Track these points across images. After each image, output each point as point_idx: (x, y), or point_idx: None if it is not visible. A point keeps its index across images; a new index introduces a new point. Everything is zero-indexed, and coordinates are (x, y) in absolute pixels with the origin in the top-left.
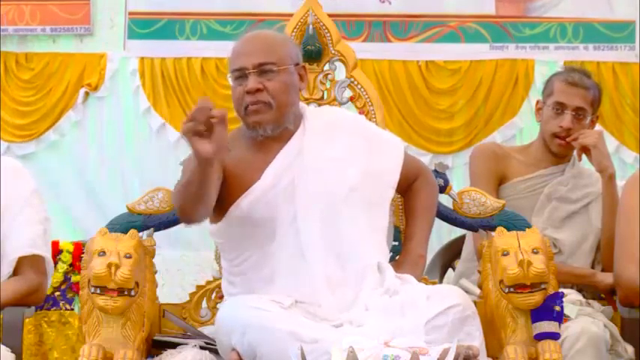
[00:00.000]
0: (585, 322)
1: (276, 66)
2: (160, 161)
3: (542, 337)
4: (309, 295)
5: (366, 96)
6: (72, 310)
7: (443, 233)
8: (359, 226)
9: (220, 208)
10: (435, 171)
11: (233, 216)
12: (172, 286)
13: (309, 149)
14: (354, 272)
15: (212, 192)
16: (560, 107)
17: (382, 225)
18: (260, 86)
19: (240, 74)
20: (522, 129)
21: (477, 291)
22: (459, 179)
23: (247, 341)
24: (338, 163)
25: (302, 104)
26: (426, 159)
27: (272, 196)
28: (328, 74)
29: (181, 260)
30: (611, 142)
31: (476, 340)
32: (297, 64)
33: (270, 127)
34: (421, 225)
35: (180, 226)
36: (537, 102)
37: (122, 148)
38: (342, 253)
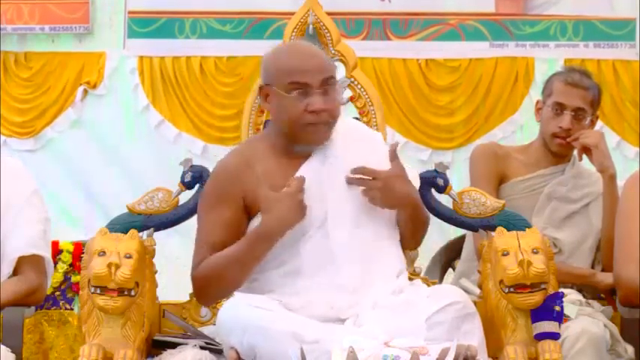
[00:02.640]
0: (585, 322)
1: (335, 82)
2: (159, 159)
3: (542, 337)
4: (331, 294)
5: (366, 96)
6: (72, 310)
7: (444, 233)
8: (382, 231)
9: (252, 213)
10: (435, 171)
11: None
12: (172, 286)
13: (334, 156)
14: (378, 275)
15: None
16: (559, 108)
17: (396, 233)
18: (325, 107)
19: (303, 90)
20: (523, 126)
21: (477, 291)
22: (459, 175)
23: (247, 341)
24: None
25: None
26: (426, 154)
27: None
28: None
29: (182, 259)
30: (612, 138)
31: (476, 338)
32: None
33: (322, 145)
34: None
35: (181, 226)
36: (537, 102)
37: (121, 146)
38: (368, 256)
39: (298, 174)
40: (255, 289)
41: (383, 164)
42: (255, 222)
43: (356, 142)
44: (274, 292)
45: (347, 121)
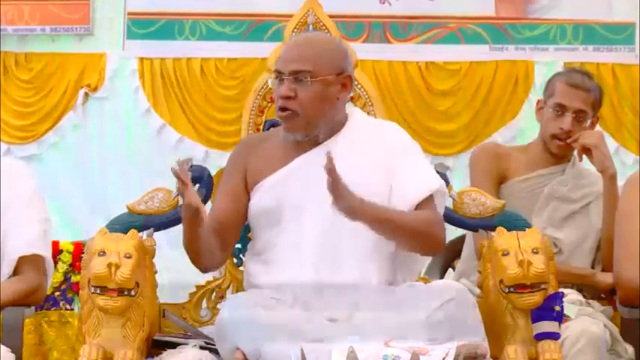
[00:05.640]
0: (585, 322)
1: (310, 75)
2: (161, 162)
3: (542, 337)
4: (299, 290)
5: (366, 96)
6: (72, 310)
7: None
8: (365, 238)
9: (249, 190)
10: (436, 171)
11: (252, 202)
12: (172, 286)
13: (334, 153)
14: (349, 279)
15: (206, 243)
16: (560, 109)
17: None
18: (291, 94)
19: (278, 77)
20: (523, 130)
21: (477, 291)
22: (460, 181)
23: (250, 340)
24: (360, 174)
25: (354, 109)
26: (426, 161)
27: (282, 188)
28: None
29: (181, 260)
30: (610, 144)
31: (478, 332)
32: (340, 74)
33: (300, 135)
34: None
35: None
36: (538, 101)
37: (122, 149)
38: (339, 259)
39: (293, 163)
40: (245, 278)
41: (397, 177)
42: (253, 201)
43: (366, 146)
44: (255, 284)
45: (367, 121)
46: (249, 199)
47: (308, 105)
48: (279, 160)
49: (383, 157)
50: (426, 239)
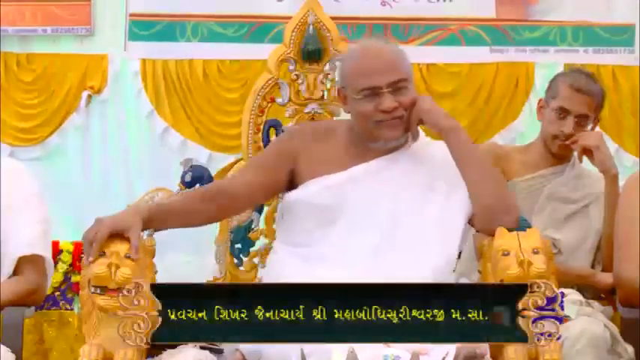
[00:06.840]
0: (585, 322)
1: (407, 82)
2: (164, 164)
3: (542, 337)
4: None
5: None
6: (72, 310)
7: None
8: (416, 259)
9: (296, 179)
10: None
11: (299, 192)
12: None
13: (403, 172)
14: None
15: (188, 215)
16: (563, 113)
17: (444, 254)
18: (397, 104)
19: (372, 93)
20: (523, 132)
21: None
22: None
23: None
24: (420, 191)
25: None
26: None
27: (339, 190)
28: (328, 74)
29: (182, 261)
30: (610, 146)
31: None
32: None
33: (399, 141)
34: None
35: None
36: (540, 100)
37: (126, 152)
38: (384, 274)
39: (356, 169)
40: (272, 266)
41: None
42: (301, 193)
43: (435, 170)
44: (286, 275)
45: (438, 144)
46: (282, 185)
47: (411, 107)
48: (342, 161)
49: (443, 176)
50: (505, 195)
